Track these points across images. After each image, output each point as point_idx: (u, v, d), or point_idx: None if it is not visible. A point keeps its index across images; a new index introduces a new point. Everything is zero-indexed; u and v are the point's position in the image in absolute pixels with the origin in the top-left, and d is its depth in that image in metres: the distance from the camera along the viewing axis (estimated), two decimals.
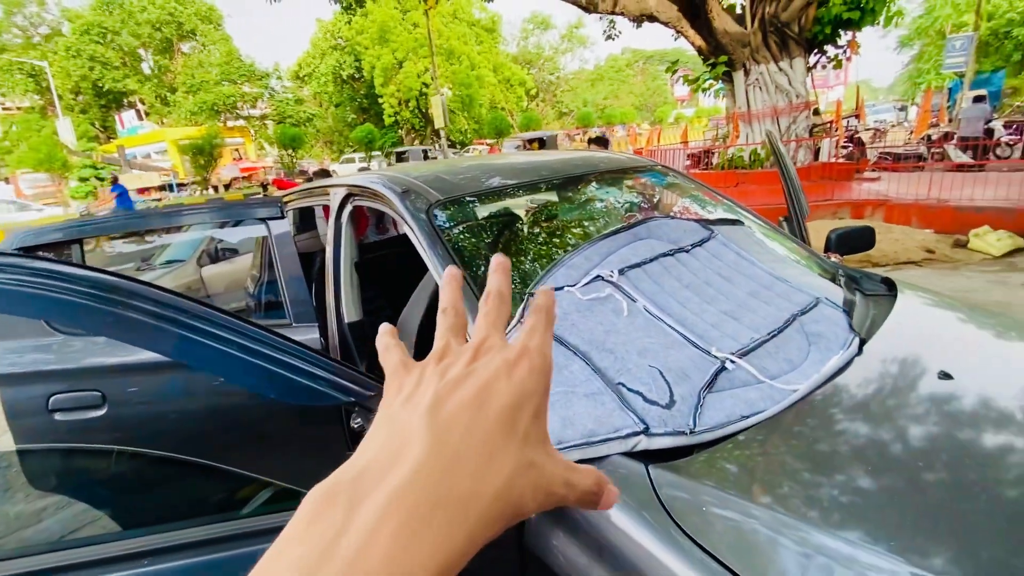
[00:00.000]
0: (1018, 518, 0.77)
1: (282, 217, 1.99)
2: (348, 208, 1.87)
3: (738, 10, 8.77)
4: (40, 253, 1.72)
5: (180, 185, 22.07)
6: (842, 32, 8.55)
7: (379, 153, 27.92)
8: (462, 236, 1.44)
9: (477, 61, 32.04)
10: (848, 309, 1.34)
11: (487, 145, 26.58)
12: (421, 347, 1.64)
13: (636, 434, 0.92)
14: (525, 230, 1.60)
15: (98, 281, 0.72)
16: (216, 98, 31.03)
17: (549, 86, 46.32)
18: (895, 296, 1.51)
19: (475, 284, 1.26)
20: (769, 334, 1.19)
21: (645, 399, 0.98)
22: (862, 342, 1.22)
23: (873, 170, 9.41)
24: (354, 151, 30.50)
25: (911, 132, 14.27)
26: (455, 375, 0.26)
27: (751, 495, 0.84)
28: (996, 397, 1.04)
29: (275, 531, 0.22)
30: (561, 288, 1.21)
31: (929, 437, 0.95)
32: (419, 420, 0.24)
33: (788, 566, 0.72)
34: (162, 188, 21.40)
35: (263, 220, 1.98)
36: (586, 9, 9.32)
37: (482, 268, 1.36)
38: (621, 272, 1.27)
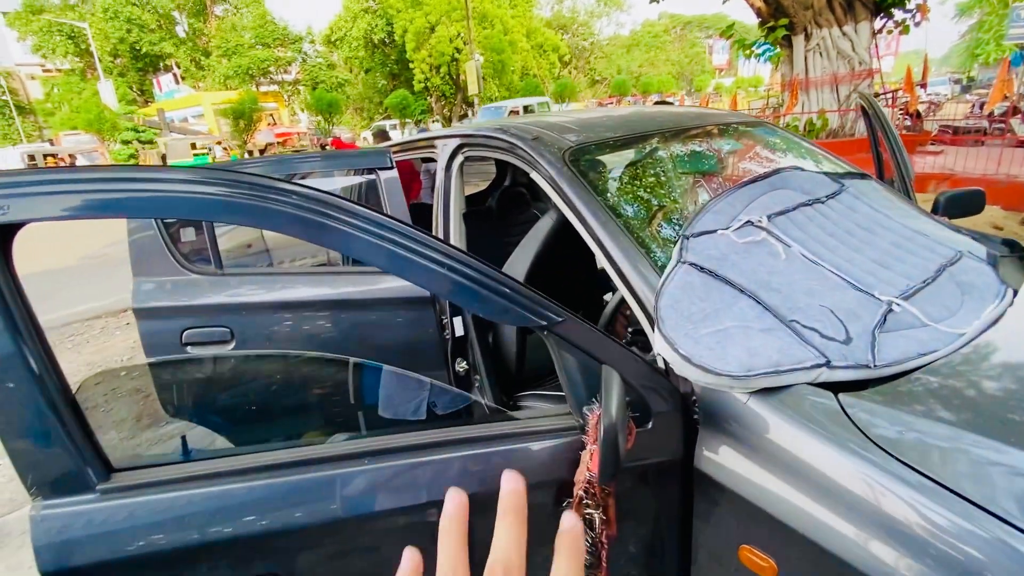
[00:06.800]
0: None
1: (391, 167, 2.04)
2: (459, 159, 1.91)
3: None
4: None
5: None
6: None
7: (410, 121, 27.72)
8: (599, 181, 1.46)
9: (511, 26, 31.20)
10: (992, 263, 1.33)
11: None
12: None
13: (818, 366, 0.96)
14: (657, 176, 1.61)
15: (334, 203, 0.79)
16: (250, 62, 31.07)
17: (582, 52, 44.89)
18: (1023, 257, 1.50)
19: (628, 228, 1.27)
20: (923, 282, 1.20)
21: (822, 335, 1.01)
22: (1014, 293, 1.22)
23: (934, 143, 9.00)
24: (384, 117, 30.36)
25: (977, 105, 13.44)
26: None
27: (939, 419, 0.87)
28: None
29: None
30: (714, 231, 1.24)
31: None
32: None
33: (976, 472, 0.76)
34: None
35: (373, 170, 2.04)
36: None
37: (622, 211, 1.39)
38: (769, 218, 1.29)
